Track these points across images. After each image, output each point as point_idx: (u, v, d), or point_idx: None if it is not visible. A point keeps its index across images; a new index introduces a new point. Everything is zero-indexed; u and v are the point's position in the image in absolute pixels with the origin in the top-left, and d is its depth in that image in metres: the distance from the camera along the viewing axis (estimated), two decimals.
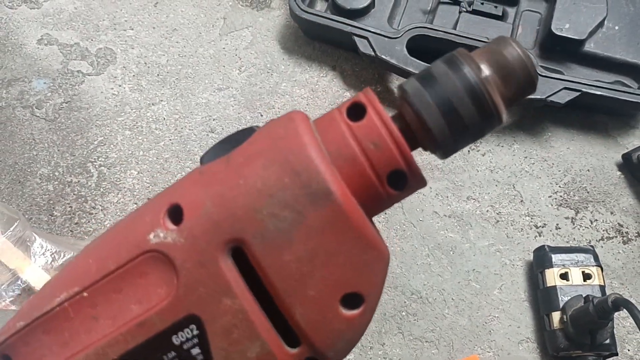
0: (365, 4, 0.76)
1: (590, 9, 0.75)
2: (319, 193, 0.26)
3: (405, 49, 0.73)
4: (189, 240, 0.27)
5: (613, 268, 0.67)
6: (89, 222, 0.68)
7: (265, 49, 0.80)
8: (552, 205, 0.71)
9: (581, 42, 0.75)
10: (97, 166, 0.71)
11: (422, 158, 0.72)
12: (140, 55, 0.79)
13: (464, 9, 0.77)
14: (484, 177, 0.72)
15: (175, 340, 0.28)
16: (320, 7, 0.80)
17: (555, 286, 0.62)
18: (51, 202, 0.69)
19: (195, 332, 0.27)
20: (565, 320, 0.59)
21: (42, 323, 0.29)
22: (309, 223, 0.27)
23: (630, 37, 0.76)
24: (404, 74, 0.73)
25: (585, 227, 0.70)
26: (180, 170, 0.72)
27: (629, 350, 0.63)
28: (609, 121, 0.76)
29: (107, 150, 0.72)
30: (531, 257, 0.66)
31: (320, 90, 0.77)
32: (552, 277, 0.62)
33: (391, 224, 0.69)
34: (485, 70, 0.28)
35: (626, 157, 0.72)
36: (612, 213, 0.70)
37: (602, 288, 0.62)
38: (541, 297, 0.63)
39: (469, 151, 0.73)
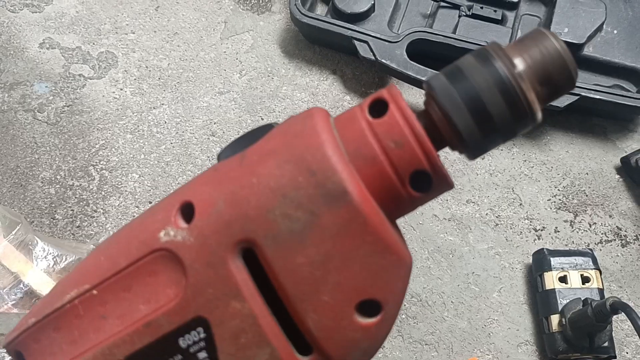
0: (366, 8, 0.77)
1: (589, 13, 0.76)
2: (334, 193, 0.25)
3: (405, 53, 0.73)
4: (198, 239, 0.26)
5: (612, 271, 0.68)
6: (90, 225, 0.69)
7: (266, 52, 0.80)
8: (551, 208, 0.71)
9: (580, 46, 0.75)
10: (98, 169, 0.72)
11: None
12: (142, 59, 0.79)
13: (464, 13, 0.78)
14: (483, 180, 0.73)
15: (182, 342, 0.27)
16: (321, 11, 0.81)
17: (554, 289, 0.62)
18: (53, 205, 0.69)
19: (203, 335, 0.26)
20: (564, 323, 0.60)
21: (52, 320, 0.29)
22: (323, 224, 0.25)
23: (629, 41, 0.76)
24: (404, 77, 0.73)
25: (584, 231, 0.70)
26: (182, 173, 0.72)
27: (627, 353, 0.64)
28: (607, 125, 0.76)
29: (109, 153, 0.73)
30: (530, 260, 0.67)
31: (320, 94, 0.77)
32: (551, 280, 0.63)
33: None
34: (520, 65, 0.26)
35: (625, 160, 0.73)
36: (610, 216, 0.71)
37: (601, 291, 0.62)
38: (540, 300, 0.64)
39: None
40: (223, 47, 0.80)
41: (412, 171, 0.26)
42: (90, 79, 0.78)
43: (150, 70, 0.78)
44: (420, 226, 0.69)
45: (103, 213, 0.69)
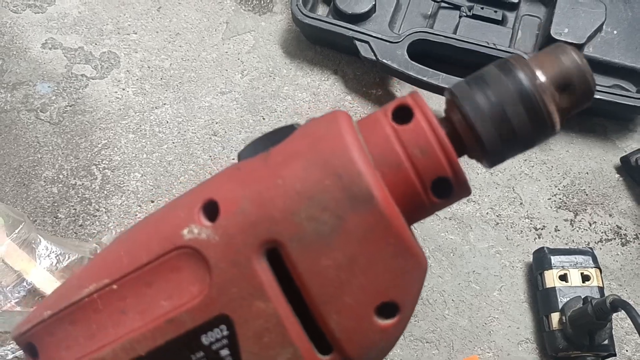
0: (367, 9, 0.77)
1: (589, 13, 0.76)
2: (361, 197, 0.25)
3: (406, 53, 0.73)
4: (224, 238, 0.26)
5: (611, 270, 0.68)
6: (92, 224, 0.69)
7: (268, 53, 0.81)
8: (551, 207, 0.71)
9: (580, 47, 0.75)
10: (101, 169, 0.72)
11: None
12: (144, 59, 0.79)
13: (464, 14, 0.78)
14: (484, 179, 0.73)
15: (205, 340, 0.27)
16: (322, 11, 0.81)
17: (554, 287, 0.63)
18: (55, 204, 0.70)
19: (225, 332, 0.27)
20: (564, 321, 0.60)
21: (69, 313, 0.29)
22: (348, 228, 0.26)
23: (629, 42, 0.77)
24: (405, 78, 0.73)
25: (584, 229, 0.70)
26: (184, 172, 0.72)
27: (627, 350, 0.64)
28: (607, 124, 0.77)
29: (111, 153, 0.73)
30: (530, 259, 0.67)
31: (322, 94, 0.78)
32: (551, 278, 0.63)
33: None
34: (541, 77, 0.27)
35: (625, 160, 0.73)
36: (610, 215, 0.71)
37: (601, 289, 0.63)
38: (540, 299, 0.64)
39: None
40: (225, 48, 0.81)
41: (434, 178, 0.27)
42: (93, 79, 0.78)
43: (152, 71, 0.79)
44: (421, 225, 0.70)
45: (105, 212, 0.70)
